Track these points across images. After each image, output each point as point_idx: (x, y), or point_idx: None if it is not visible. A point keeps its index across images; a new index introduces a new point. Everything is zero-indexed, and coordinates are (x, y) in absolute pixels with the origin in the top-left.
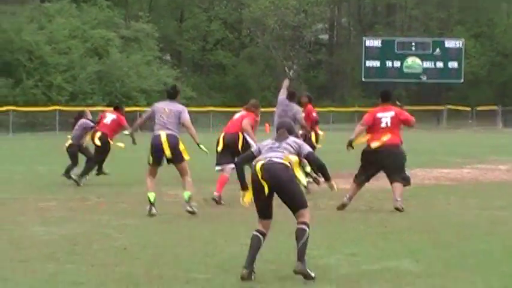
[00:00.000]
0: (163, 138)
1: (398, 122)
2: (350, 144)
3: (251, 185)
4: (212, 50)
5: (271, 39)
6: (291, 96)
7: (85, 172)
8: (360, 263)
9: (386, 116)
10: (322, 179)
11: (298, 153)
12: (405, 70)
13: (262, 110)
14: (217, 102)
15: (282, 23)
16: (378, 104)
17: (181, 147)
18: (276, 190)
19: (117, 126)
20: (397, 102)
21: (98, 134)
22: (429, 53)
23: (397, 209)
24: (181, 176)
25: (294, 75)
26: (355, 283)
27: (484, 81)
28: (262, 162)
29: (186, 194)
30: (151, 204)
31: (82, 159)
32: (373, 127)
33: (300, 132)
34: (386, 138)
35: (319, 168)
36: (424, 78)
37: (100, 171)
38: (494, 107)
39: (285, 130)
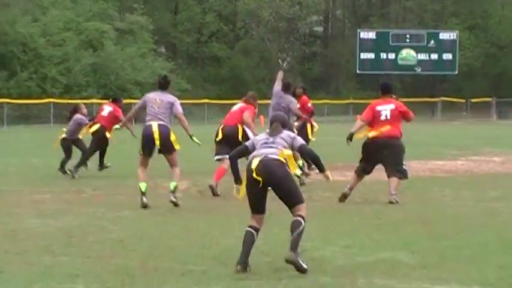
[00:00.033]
0: (155, 128)
1: (398, 115)
2: (350, 138)
3: (245, 180)
4: (207, 42)
5: (266, 31)
6: (286, 88)
7: (80, 164)
8: (355, 254)
9: (385, 109)
10: (316, 171)
11: (292, 146)
12: (400, 62)
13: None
14: (212, 95)
15: (276, 15)
16: (378, 96)
17: (173, 137)
18: (271, 186)
19: (114, 119)
20: (392, 95)
21: (96, 126)
22: (424, 45)
23: (391, 202)
24: (171, 166)
25: (287, 66)
26: (350, 275)
27: (479, 73)
28: (258, 158)
29: (172, 185)
30: (143, 194)
31: (76, 153)
32: (373, 120)
33: (296, 124)
34: (385, 129)
35: (312, 160)
36: (418, 70)
37: (102, 166)
38: (489, 99)
39: (278, 124)
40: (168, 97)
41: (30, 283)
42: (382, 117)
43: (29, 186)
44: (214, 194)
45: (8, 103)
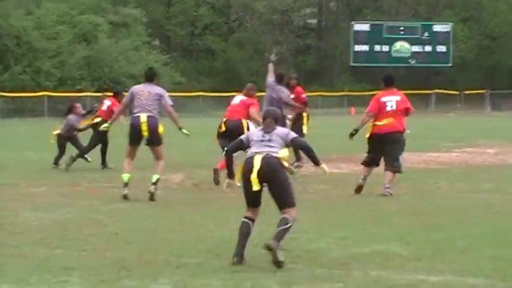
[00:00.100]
0: (143, 120)
1: (403, 107)
2: (354, 133)
3: (243, 175)
4: (201, 35)
5: (260, 23)
6: (279, 79)
7: (76, 157)
8: (350, 246)
9: (391, 100)
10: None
11: (286, 140)
12: (394, 54)
13: None
14: (207, 87)
15: (270, 7)
16: (381, 88)
17: (160, 129)
18: (269, 184)
19: (112, 113)
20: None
21: (97, 120)
22: (418, 37)
23: (384, 195)
24: (156, 159)
25: (276, 58)
26: (346, 266)
27: (472, 65)
28: (260, 156)
29: (155, 177)
30: (125, 185)
31: (71, 150)
32: (379, 111)
33: (289, 116)
34: (389, 122)
35: (306, 153)
36: (412, 62)
37: (104, 165)
38: (483, 91)
39: (272, 120)
40: (156, 89)
41: (25, 276)
42: (388, 108)
43: (24, 179)
44: (216, 178)
45: (1, 96)
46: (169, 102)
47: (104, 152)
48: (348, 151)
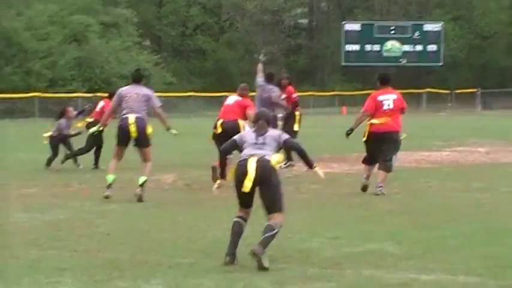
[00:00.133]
0: (131, 121)
1: (399, 106)
2: (349, 133)
3: (236, 177)
4: (192, 35)
5: (251, 23)
6: (269, 78)
7: (70, 156)
8: (342, 245)
9: (388, 99)
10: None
11: (279, 142)
12: (385, 54)
13: None
14: (198, 87)
15: (261, 7)
16: (377, 87)
17: (149, 130)
18: (261, 188)
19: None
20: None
21: (90, 120)
22: (408, 36)
23: (376, 194)
24: (144, 160)
25: (265, 58)
26: (338, 266)
27: (463, 64)
28: (254, 159)
29: (142, 179)
30: (109, 185)
31: (62, 150)
32: (376, 110)
33: (279, 115)
34: (386, 121)
35: (299, 154)
36: (403, 61)
37: (96, 166)
38: (473, 90)
39: (264, 121)
40: (144, 90)
41: (18, 277)
42: (385, 107)
43: (16, 180)
44: (214, 176)
45: None
46: (158, 103)
47: (97, 153)
48: (339, 151)
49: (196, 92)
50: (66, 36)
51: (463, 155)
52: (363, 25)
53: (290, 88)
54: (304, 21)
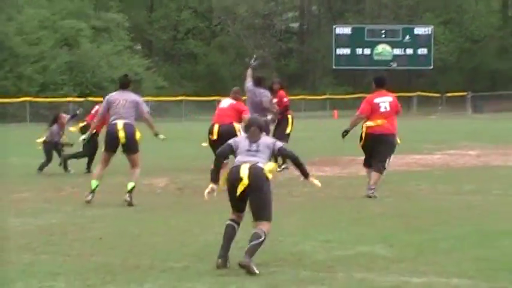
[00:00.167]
0: (120, 127)
1: (395, 108)
2: (345, 134)
3: (229, 182)
4: (183, 39)
5: (242, 27)
6: (257, 82)
7: (68, 157)
8: (334, 249)
9: (384, 101)
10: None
11: (273, 150)
12: (375, 57)
13: None
14: (189, 91)
15: (252, 11)
16: (373, 90)
17: (137, 136)
18: (251, 194)
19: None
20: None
21: (83, 124)
22: (399, 40)
23: (368, 196)
24: (132, 167)
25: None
26: (330, 269)
27: (454, 68)
28: (247, 166)
29: (130, 185)
30: (92, 191)
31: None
32: (372, 113)
33: (269, 117)
34: (382, 123)
35: (294, 162)
36: (394, 65)
37: (89, 170)
38: (464, 93)
39: (256, 128)
40: (132, 96)
41: (10, 281)
42: (382, 109)
43: (8, 184)
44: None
45: None
46: (146, 109)
47: (90, 157)
48: (331, 154)
49: (187, 96)
50: (57, 40)
51: (454, 158)
52: (353, 29)
53: (281, 92)
54: (295, 25)
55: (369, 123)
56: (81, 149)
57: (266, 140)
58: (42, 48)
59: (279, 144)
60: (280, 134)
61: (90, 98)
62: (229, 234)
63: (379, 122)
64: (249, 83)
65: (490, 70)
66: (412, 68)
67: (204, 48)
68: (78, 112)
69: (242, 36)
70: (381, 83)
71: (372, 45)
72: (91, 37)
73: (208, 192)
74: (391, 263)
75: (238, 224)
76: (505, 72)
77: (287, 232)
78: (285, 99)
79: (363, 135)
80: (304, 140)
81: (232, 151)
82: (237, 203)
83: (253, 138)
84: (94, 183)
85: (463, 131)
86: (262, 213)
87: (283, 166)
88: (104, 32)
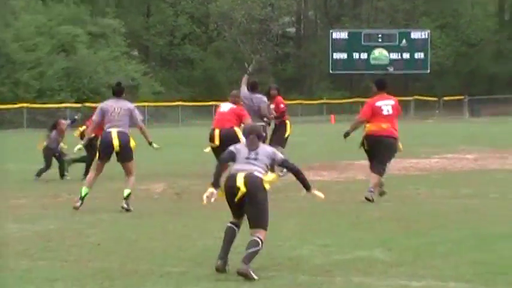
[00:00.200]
0: (114, 135)
1: (397, 111)
2: (346, 136)
3: (226, 189)
4: (180, 44)
5: (239, 33)
6: (253, 88)
7: (72, 161)
8: (332, 253)
9: (387, 104)
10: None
11: (274, 160)
12: (372, 62)
13: None
14: (186, 97)
15: (249, 16)
16: (374, 93)
17: (132, 144)
18: (248, 202)
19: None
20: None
21: (82, 128)
22: (395, 44)
23: (367, 199)
24: (126, 174)
25: (253, 69)
26: (328, 273)
27: (450, 72)
28: (243, 174)
29: (126, 192)
30: (81, 198)
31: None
32: (374, 116)
33: (264, 119)
34: (385, 126)
35: (295, 175)
36: (391, 69)
37: (86, 176)
38: (461, 97)
39: (255, 136)
40: (126, 104)
41: None
42: (385, 112)
43: (5, 191)
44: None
45: None
46: (140, 117)
47: (88, 163)
48: (328, 158)
49: (184, 101)
50: (54, 46)
51: (452, 162)
52: (350, 33)
53: (279, 98)
54: (292, 30)
55: (371, 127)
56: (84, 154)
57: (265, 148)
58: (38, 55)
59: (281, 156)
60: (278, 139)
61: (87, 104)
62: (230, 236)
63: (383, 125)
64: (244, 90)
65: (487, 74)
66: (409, 72)
67: (200, 53)
68: (76, 117)
69: (239, 42)
70: (382, 86)
71: (369, 50)
72: (88, 43)
73: (207, 196)
74: (389, 267)
75: (239, 227)
76: (501, 76)
77: (285, 236)
78: (282, 105)
79: (365, 139)
80: (302, 145)
81: (234, 158)
82: (236, 210)
83: (252, 146)
84: (84, 190)
85: (460, 135)
86: (258, 221)
87: (285, 170)
88: (101, 38)
